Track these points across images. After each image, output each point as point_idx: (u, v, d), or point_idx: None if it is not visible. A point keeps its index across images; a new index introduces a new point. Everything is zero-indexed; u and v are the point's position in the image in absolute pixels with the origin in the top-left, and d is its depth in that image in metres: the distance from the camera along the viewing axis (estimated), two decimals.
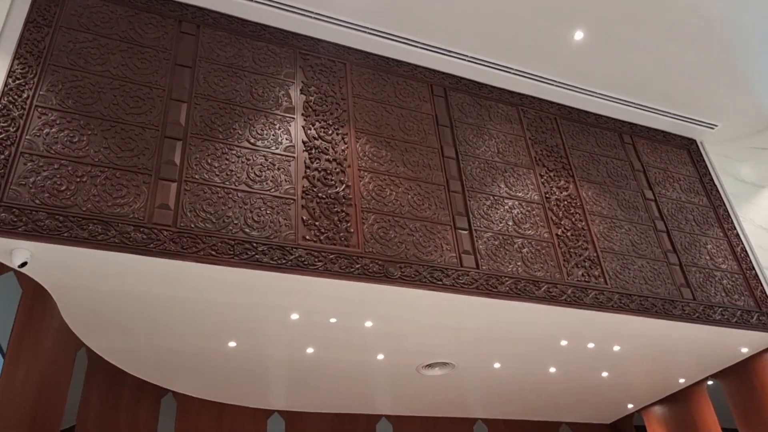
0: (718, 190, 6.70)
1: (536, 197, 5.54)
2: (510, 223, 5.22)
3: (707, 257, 5.99)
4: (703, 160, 6.95)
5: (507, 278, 4.86)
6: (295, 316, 4.70)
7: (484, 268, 4.83)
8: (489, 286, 4.76)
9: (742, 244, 6.28)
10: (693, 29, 5.67)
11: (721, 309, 5.61)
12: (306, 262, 4.22)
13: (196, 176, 4.27)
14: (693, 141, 7.07)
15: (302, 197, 4.53)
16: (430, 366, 5.75)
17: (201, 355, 5.17)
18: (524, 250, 5.11)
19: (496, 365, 5.86)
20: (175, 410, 5.67)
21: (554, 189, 5.69)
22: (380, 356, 5.48)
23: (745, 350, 5.96)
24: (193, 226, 4.03)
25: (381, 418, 6.73)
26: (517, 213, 5.33)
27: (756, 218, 6.52)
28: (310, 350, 5.24)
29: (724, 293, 5.78)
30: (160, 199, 4.04)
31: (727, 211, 6.53)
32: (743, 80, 6.37)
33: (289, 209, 4.43)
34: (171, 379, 5.52)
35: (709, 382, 6.53)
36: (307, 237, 4.35)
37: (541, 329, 5.28)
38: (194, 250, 3.94)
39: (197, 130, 4.49)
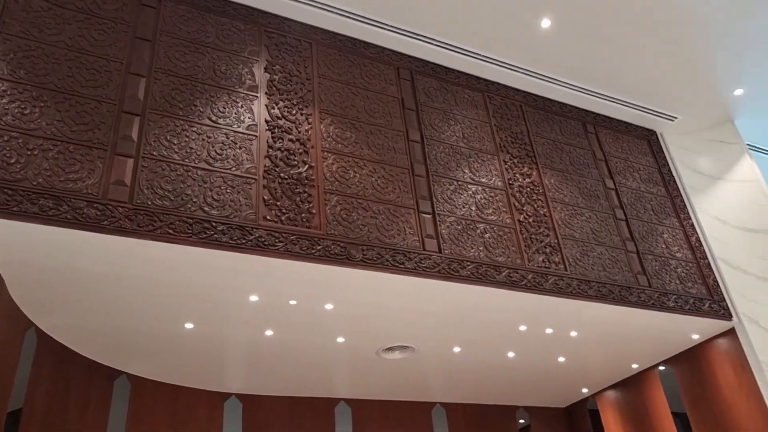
0: (675, 181, 6.84)
1: (500, 183, 5.56)
2: (473, 209, 5.23)
3: (663, 246, 6.12)
4: (663, 151, 7.08)
5: (469, 263, 4.87)
6: (254, 298, 4.63)
7: (446, 252, 4.84)
8: (451, 270, 4.76)
9: (697, 234, 6.44)
10: (656, 21, 5.74)
11: (675, 296, 5.74)
12: (266, 243, 4.15)
13: (155, 153, 4.14)
14: (653, 132, 7.20)
15: (264, 177, 4.45)
16: (390, 349, 5.76)
17: (156, 337, 5.06)
18: (486, 236, 5.13)
19: (456, 349, 5.90)
20: (129, 392, 5.55)
21: (518, 175, 5.72)
22: (340, 339, 5.46)
23: (696, 337, 6.13)
24: (150, 203, 3.92)
25: (340, 402, 6.72)
26: (481, 198, 5.34)
27: (711, 209, 6.69)
28: (269, 332, 5.18)
29: (679, 281, 5.92)
30: (116, 175, 3.92)
31: (684, 202, 6.68)
32: (703, 74, 6.50)
33: (250, 189, 4.34)
34: (125, 360, 5.40)
35: (661, 368, 6.70)
36: (268, 217, 4.28)
37: (501, 314, 5.32)
38: (151, 228, 3.83)
39: (156, 106, 4.35)
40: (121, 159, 4.00)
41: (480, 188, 5.41)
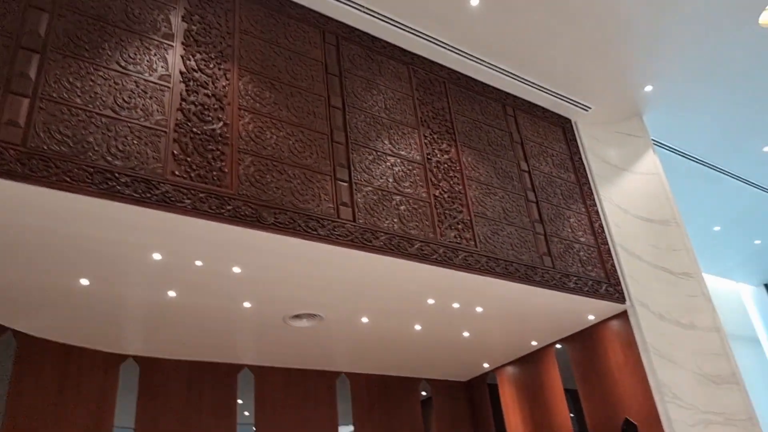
0: (585, 169, 7.10)
1: (418, 157, 5.57)
2: (390, 180, 5.22)
3: (569, 230, 6.36)
4: (575, 140, 7.33)
5: (382, 233, 4.87)
6: (157, 256, 4.43)
7: (360, 221, 4.80)
8: (364, 239, 4.74)
9: (600, 220, 6.72)
10: (578, 11, 5.89)
11: (575, 278, 5.99)
12: (173, 199, 3.96)
13: (54, 94, 3.84)
14: (568, 120, 7.42)
15: (175, 130, 4.23)
16: (297, 317, 5.69)
17: (47, 292, 4.76)
18: (402, 208, 5.14)
19: (364, 319, 5.91)
20: (14, 351, 5.21)
21: (436, 151, 5.75)
22: (247, 304, 5.33)
23: (591, 317, 6.44)
24: (46, 147, 3.64)
25: (243, 368, 6.61)
26: (399, 171, 5.33)
27: (615, 198, 7.00)
28: (171, 293, 4.99)
29: (580, 264, 6.17)
30: (9, 114, 3.60)
31: (591, 189, 6.95)
32: (617, 68, 6.75)
33: (159, 141, 4.12)
34: (10, 316, 5.05)
35: (558, 346, 7.01)
36: (177, 173, 4.08)
37: (411, 286, 5.37)
38: (45, 175, 3.56)
39: (59, 45, 4.03)
40: (16, 98, 3.69)
41: (399, 160, 5.40)
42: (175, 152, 4.15)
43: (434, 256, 5.08)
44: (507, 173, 6.23)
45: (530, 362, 7.32)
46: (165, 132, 4.18)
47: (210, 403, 6.30)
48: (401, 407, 7.58)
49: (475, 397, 8.06)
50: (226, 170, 4.31)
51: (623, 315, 6.31)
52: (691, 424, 5.74)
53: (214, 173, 4.25)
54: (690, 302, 6.54)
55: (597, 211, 6.80)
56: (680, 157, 8.80)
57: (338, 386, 7.15)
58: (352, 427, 7.16)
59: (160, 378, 6.12)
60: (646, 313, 6.23)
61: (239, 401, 6.58)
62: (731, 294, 14.00)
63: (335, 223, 4.65)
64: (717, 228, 11.10)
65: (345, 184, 4.90)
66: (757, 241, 12.03)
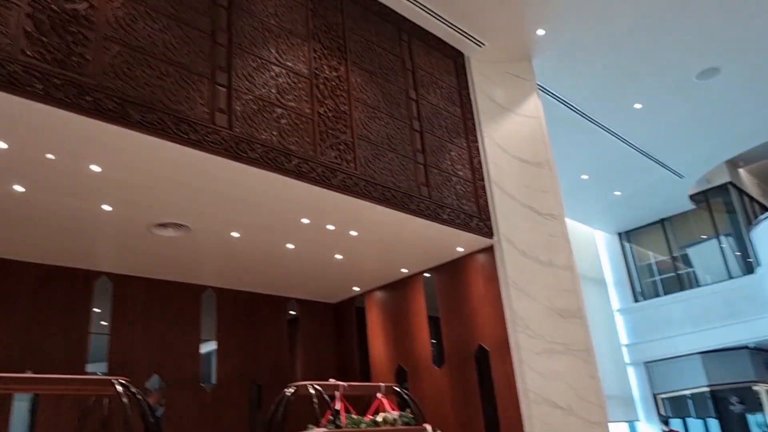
0: (471, 105, 7.17)
1: (305, 71, 5.34)
2: (273, 91, 4.97)
3: (449, 162, 6.45)
4: (466, 75, 7.35)
5: (259, 145, 4.66)
6: (2, 145, 3.96)
7: (237, 130, 4.56)
8: (239, 149, 4.52)
9: (480, 157, 6.87)
10: None
11: (449, 210, 6.13)
12: (22, 81, 3.52)
13: None
14: (461, 54, 7.41)
15: (30, 5, 3.72)
16: (162, 226, 5.41)
17: None
18: (282, 121, 4.93)
19: (235, 234, 5.74)
20: None
21: (325, 67, 5.54)
22: (107, 207, 4.97)
23: (460, 249, 6.67)
24: None
25: (101, 276, 6.26)
26: (283, 82, 5.09)
27: (496, 136, 7.17)
28: (18, 188, 4.52)
29: (455, 197, 6.32)
30: None
31: (475, 125, 7.05)
32: (513, 7, 6.78)
33: (10, 14, 3.61)
34: None
35: (426, 275, 7.23)
36: (29, 53, 3.62)
37: (286, 203, 5.24)
38: None
39: None
40: None
41: (284, 72, 5.14)
42: (29, 29, 3.66)
43: (312, 175, 4.96)
44: (395, 99, 6.15)
45: (399, 289, 7.53)
46: (18, 5, 3.66)
47: (62, 311, 5.94)
48: (268, 325, 7.58)
49: (343, 319, 8.22)
50: (89, 57, 3.88)
51: (489, 249, 6.58)
52: (537, 352, 6.20)
53: (75, 59, 3.81)
54: (551, 242, 6.95)
55: (478, 148, 6.93)
56: (561, 104, 9.15)
57: (204, 301, 6.99)
58: (215, 344, 7.08)
59: (6, 281, 5.66)
60: (510, 248, 6.54)
61: (95, 310, 6.26)
62: (588, 239, 15.14)
63: (209, 129, 4.38)
64: (585, 177, 11.81)
65: (223, 89, 4.61)
66: (617, 193, 12.97)
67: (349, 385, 4.91)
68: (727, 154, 12.61)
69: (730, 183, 13.79)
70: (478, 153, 6.87)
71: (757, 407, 13.68)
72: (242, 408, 7.00)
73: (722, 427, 13.38)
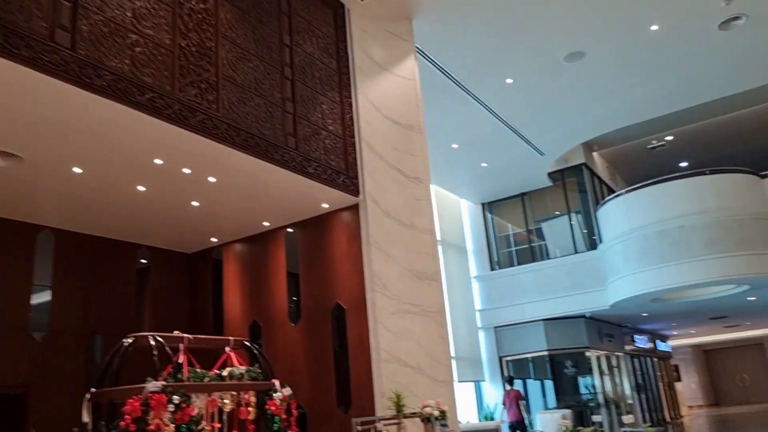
0: (348, 60, 6.97)
1: None
2: (129, 14, 4.48)
3: (320, 116, 6.25)
4: (345, 28, 7.11)
5: (108, 73, 4.19)
6: None
7: (82, 52, 4.06)
8: (83, 75, 4.03)
9: (352, 113, 6.72)
10: None
11: (316, 164, 5.96)
12: None
13: None
14: (342, 6, 7.16)
15: None
16: None
17: None
18: (137, 49, 4.47)
19: (77, 170, 5.20)
20: None
21: None
22: None
23: (325, 206, 6.54)
24: None
25: None
26: (141, 6, 4.60)
27: (370, 95, 7.05)
28: None
29: (324, 151, 6.15)
30: None
31: (350, 81, 6.87)
32: None
33: None
34: None
35: (289, 230, 7.05)
36: None
37: (136, 141, 4.80)
38: None
39: None
40: None
41: None
42: None
43: (168, 111, 4.57)
44: (267, 43, 5.82)
45: (259, 242, 7.28)
46: None
47: None
48: (114, 273, 7.05)
49: (198, 270, 7.85)
50: None
51: (354, 208, 6.50)
52: (391, 311, 6.26)
53: None
54: (415, 205, 7.02)
55: (351, 104, 6.77)
56: (438, 70, 9.21)
57: (39, 241, 6.33)
58: (49, 292, 6.45)
59: None
60: (375, 208, 6.50)
61: None
62: (454, 207, 15.65)
63: (47, 48, 3.86)
64: (455, 146, 12.10)
65: (68, 3, 4.07)
66: (484, 164, 13.45)
67: (194, 338, 4.66)
68: (584, 137, 13.46)
69: (585, 164, 14.79)
70: (351, 109, 6.72)
71: (588, 371, 15.05)
72: (78, 359, 6.50)
73: (556, 387, 14.59)
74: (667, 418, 20.76)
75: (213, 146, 5.01)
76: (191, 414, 3.90)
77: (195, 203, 6.19)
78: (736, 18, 8.86)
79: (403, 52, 7.67)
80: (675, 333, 23.45)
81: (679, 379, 26.12)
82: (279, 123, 5.68)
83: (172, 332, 4.59)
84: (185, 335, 4.56)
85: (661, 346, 22.47)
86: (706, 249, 11.15)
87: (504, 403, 12.17)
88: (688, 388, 28.42)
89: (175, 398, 3.83)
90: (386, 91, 7.28)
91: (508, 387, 12.25)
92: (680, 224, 11.47)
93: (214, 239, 7.47)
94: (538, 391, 14.72)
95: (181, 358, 4.46)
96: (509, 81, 9.92)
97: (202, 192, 5.94)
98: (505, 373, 14.81)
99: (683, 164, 16.39)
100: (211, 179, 5.63)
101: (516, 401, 11.85)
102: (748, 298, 13.85)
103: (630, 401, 17.01)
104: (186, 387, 4.05)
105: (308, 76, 6.26)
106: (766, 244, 11.16)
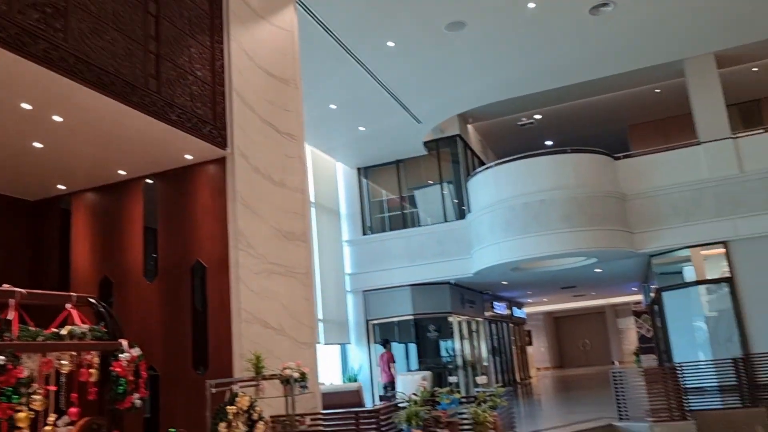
0: (221, 2, 6.49)
1: None
2: None
3: (186, 59, 5.79)
4: None
5: None
6: None
7: None
8: None
9: (223, 60, 6.29)
10: None
11: (180, 111, 5.53)
12: None
13: None
14: None
15: None
16: None
17: None
18: None
19: None
20: None
21: None
22: None
23: (189, 157, 6.11)
24: None
25: None
26: None
27: (245, 43, 6.64)
28: None
29: (189, 98, 5.71)
30: None
31: (222, 26, 6.41)
32: None
33: None
34: None
35: (148, 180, 6.54)
36: None
37: None
38: None
39: None
40: None
41: None
42: None
43: (2, 35, 3.98)
44: None
45: (114, 192, 6.70)
46: None
47: None
48: None
49: (42, 220, 7.12)
50: None
51: (221, 161, 6.14)
52: (256, 271, 6.04)
53: None
54: (286, 162, 6.77)
55: (222, 50, 6.33)
56: (318, 25, 8.91)
57: None
58: None
59: None
60: (243, 163, 6.19)
61: None
62: (329, 169, 15.50)
63: None
64: (333, 106, 11.88)
65: None
66: (362, 128, 13.37)
67: (28, 293, 4.17)
68: (460, 108, 13.77)
69: (459, 136, 15.17)
70: (222, 56, 6.29)
71: (449, 335, 15.71)
72: None
73: (419, 350, 15.10)
74: (518, 379, 22.34)
75: (59, 80, 4.45)
76: (18, 376, 3.51)
77: (38, 144, 5.53)
78: (605, 4, 9.32)
79: (282, 1, 7.29)
80: (530, 301, 25.14)
81: (530, 344, 28.14)
82: (139, 62, 5.18)
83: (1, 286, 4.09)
84: (17, 289, 4.08)
85: (517, 313, 24.01)
86: (561, 223, 11.88)
87: (379, 365, 12.53)
88: (538, 351, 30.81)
89: (1, 359, 3.43)
90: (262, 41, 6.90)
91: (383, 350, 12.58)
92: (542, 198, 12.11)
93: (61, 186, 6.76)
94: (403, 354, 15.17)
95: (11, 315, 4.00)
96: (391, 44, 9.82)
97: (46, 132, 5.32)
98: (372, 337, 15.09)
99: (549, 142, 17.32)
100: (57, 118, 5.04)
101: (388, 363, 12.25)
102: (595, 270, 15.02)
103: (486, 363, 18.04)
104: (14, 347, 3.64)
105: (176, 14, 5.76)
106: (614, 221, 12.09)
